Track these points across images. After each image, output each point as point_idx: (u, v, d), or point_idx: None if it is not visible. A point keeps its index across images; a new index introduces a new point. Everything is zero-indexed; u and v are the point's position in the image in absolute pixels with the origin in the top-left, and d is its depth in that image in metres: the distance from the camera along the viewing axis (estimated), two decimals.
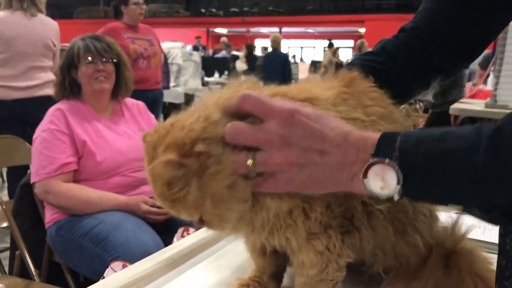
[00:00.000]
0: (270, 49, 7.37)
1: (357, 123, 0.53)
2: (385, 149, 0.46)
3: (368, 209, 0.55)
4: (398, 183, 0.45)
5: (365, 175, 0.46)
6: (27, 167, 2.86)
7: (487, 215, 0.45)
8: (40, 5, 2.83)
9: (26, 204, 1.82)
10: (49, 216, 1.72)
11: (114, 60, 1.86)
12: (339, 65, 10.97)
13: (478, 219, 0.79)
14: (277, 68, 6.88)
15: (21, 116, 2.71)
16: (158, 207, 1.66)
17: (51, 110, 1.76)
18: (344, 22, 18.06)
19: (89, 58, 1.79)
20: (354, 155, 0.47)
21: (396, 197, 0.46)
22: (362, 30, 17.38)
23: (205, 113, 0.50)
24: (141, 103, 2.04)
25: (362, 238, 0.56)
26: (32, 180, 1.70)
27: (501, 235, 0.49)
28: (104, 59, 1.81)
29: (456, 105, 2.92)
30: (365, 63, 0.77)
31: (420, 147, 0.44)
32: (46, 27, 2.85)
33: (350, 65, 0.77)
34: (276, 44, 7.27)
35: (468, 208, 0.76)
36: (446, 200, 0.48)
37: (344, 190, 0.50)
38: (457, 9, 0.73)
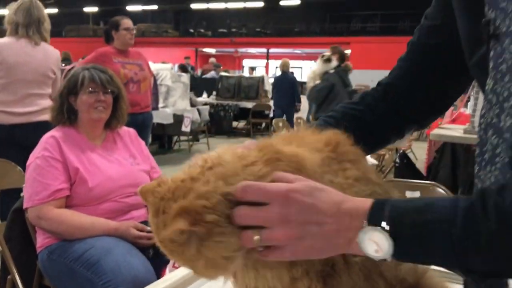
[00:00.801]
0: (279, 72, 8.48)
1: (337, 187, 0.60)
2: (375, 217, 0.52)
3: (347, 259, 0.61)
4: (389, 247, 0.51)
5: (360, 241, 0.52)
6: (20, 190, 2.89)
7: (468, 275, 0.53)
8: (45, 33, 2.89)
9: (18, 229, 1.86)
10: (41, 240, 1.76)
11: (115, 92, 1.93)
12: None
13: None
14: (287, 88, 8.01)
15: (19, 140, 2.75)
16: (148, 232, 1.72)
17: (45, 137, 1.82)
18: (330, 44, 18.39)
19: (92, 88, 1.86)
20: (348, 223, 0.53)
21: (388, 260, 0.52)
22: (348, 51, 17.72)
23: (223, 190, 0.56)
24: (132, 131, 2.11)
25: (342, 284, 0.61)
26: (25, 206, 1.74)
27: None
28: (105, 90, 1.88)
29: (435, 131, 3.05)
30: (347, 111, 0.85)
31: (405, 218, 0.51)
32: (48, 55, 2.91)
33: (334, 111, 0.86)
34: (285, 67, 8.36)
35: None
36: (432, 264, 0.56)
37: (344, 252, 0.56)
38: (427, 70, 0.82)
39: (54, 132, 1.84)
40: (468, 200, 0.50)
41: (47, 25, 2.91)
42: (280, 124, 6.14)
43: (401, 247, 0.51)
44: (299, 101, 8.21)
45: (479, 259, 0.48)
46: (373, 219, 0.52)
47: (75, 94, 1.87)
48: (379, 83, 0.89)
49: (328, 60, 5.11)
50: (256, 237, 0.55)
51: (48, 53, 2.91)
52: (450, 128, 3.33)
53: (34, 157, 1.77)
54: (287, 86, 8.06)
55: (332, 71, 4.92)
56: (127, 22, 3.57)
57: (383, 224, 0.51)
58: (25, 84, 2.80)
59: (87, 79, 1.87)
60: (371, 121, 0.84)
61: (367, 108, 0.85)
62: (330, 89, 4.67)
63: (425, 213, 0.50)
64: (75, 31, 21.73)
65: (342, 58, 4.94)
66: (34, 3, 2.86)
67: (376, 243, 0.51)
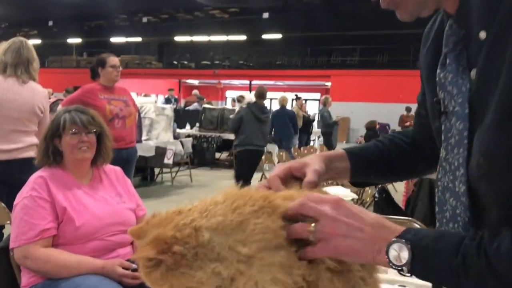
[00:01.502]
0: (278, 107, 9.05)
1: None
2: (403, 234, 0.64)
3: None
4: (409, 258, 0.62)
5: (387, 249, 0.63)
6: (2, 227, 2.88)
7: None
8: (33, 73, 2.93)
9: (2, 268, 1.87)
10: (26, 280, 1.77)
11: (97, 131, 1.99)
12: (306, 118, 11.39)
13: None
14: (285, 122, 8.65)
15: (3, 177, 2.76)
16: (134, 270, 1.75)
17: (33, 177, 1.86)
18: (311, 77, 18.80)
19: (74, 129, 1.92)
20: (382, 234, 0.64)
21: (405, 271, 0.63)
22: (329, 83, 18.13)
23: (198, 223, 0.63)
24: (118, 169, 2.16)
25: None
26: (11, 246, 1.76)
27: None
28: (87, 131, 1.95)
29: None
30: (395, 139, 0.97)
31: (423, 241, 0.62)
32: (35, 94, 2.94)
33: (384, 137, 0.98)
34: (284, 102, 9.01)
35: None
36: (435, 281, 0.65)
37: (371, 261, 0.66)
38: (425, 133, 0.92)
39: (42, 172, 1.88)
40: (470, 239, 0.61)
41: (36, 64, 2.96)
42: (263, 158, 6.23)
43: (416, 264, 0.62)
44: (297, 133, 8.95)
45: (471, 285, 0.59)
46: (401, 235, 0.64)
47: (59, 136, 1.93)
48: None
49: (239, 100, 7.52)
50: (312, 225, 0.65)
51: (35, 91, 2.95)
52: None
53: (22, 197, 1.80)
54: (285, 119, 8.69)
55: (244, 106, 6.03)
56: (113, 60, 3.66)
57: (407, 241, 0.62)
58: (10, 121, 2.83)
59: (68, 122, 1.92)
60: (409, 151, 0.95)
61: (410, 141, 0.96)
62: (241, 121, 5.65)
63: (438, 242, 0.62)
64: (58, 62, 21.76)
65: (260, 96, 5.91)
66: (24, 43, 2.92)
67: (398, 253, 0.62)
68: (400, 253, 0.62)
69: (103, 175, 2.07)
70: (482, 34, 0.63)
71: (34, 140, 2.90)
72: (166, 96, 14.38)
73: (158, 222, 0.65)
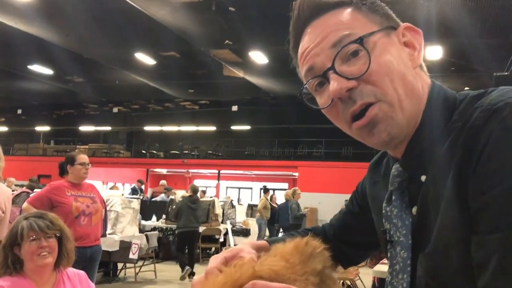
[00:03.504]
0: (284, 201, 10.84)
1: None
2: None
3: None
4: None
5: None
6: None
7: None
8: None
9: None
10: None
11: (57, 235, 1.98)
12: (274, 209, 11.43)
13: None
14: (288, 213, 10.34)
15: None
16: None
17: None
18: (279, 167, 19.16)
19: (33, 236, 1.90)
20: None
21: None
22: (296, 174, 18.47)
23: None
24: (82, 273, 2.12)
25: None
26: None
27: None
28: (47, 235, 1.93)
29: (378, 267, 3.19)
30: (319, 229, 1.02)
31: None
32: None
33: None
34: (288, 197, 10.62)
35: None
36: None
37: None
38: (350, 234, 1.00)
39: (1, 282, 1.82)
40: None
41: (1, 163, 2.95)
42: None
43: None
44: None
45: None
46: None
47: (18, 244, 1.91)
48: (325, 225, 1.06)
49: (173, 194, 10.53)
50: None
51: None
52: None
53: None
54: (288, 211, 10.32)
55: (180, 199, 8.35)
56: (83, 157, 3.70)
57: None
58: None
59: (26, 229, 1.92)
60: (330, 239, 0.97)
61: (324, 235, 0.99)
62: (178, 209, 7.87)
63: None
64: (24, 149, 21.47)
65: (194, 190, 8.08)
66: None
67: None
68: None
69: (66, 279, 2.02)
70: (423, 178, 0.73)
71: None
72: (133, 186, 14.21)
73: None
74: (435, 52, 11.63)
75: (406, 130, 0.73)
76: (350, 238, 0.99)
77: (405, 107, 0.71)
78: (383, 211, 0.80)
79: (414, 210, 0.75)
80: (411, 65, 0.74)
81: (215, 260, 0.77)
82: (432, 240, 0.68)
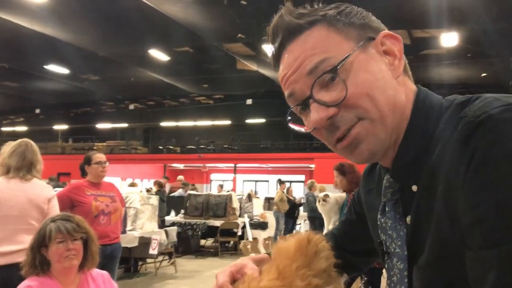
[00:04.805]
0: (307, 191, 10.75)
1: None
2: None
3: None
4: None
5: None
6: None
7: None
8: (36, 174, 2.91)
9: None
10: None
11: (83, 237, 2.03)
12: (291, 201, 11.45)
13: None
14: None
15: (3, 282, 2.61)
16: None
17: (21, 286, 1.87)
18: (295, 159, 19.13)
19: (60, 238, 1.96)
20: None
21: None
22: (313, 166, 18.42)
23: None
24: (106, 274, 2.18)
25: None
26: None
27: None
28: (73, 238, 1.99)
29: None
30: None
31: None
32: (38, 190, 2.88)
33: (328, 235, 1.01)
34: (310, 186, 10.58)
35: None
36: None
37: None
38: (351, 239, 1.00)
39: (30, 282, 1.89)
40: None
41: (40, 166, 2.95)
42: (248, 246, 6.19)
43: None
44: None
45: None
46: None
47: (46, 246, 1.96)
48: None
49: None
50: None
51: (38, 188, 2.89)
52: None
53: None
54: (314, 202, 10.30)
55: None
56: (99, 156, 3.77)
57: None
58: (10, 220, 2.73)
59: (54, 231, 1.97)
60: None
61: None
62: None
63: None
64: (43, 148, 21.84)
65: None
66: (30, 146, 2.93)
67: None
68: None
69: (90, 280, 2.08)
70: (414, 188, 0.73)
71: None
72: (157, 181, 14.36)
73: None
74: (450, 39, 11.46)
75: (388, 143, 0.73)
76: (352, 247, 0.99)
77: (387, 122, 0.71)
78: (378, 223, 0.81)
79: (408, 219, 0.75)
80: (392, 75, 0.73)
81: (223, 275, 0.81)
82: (425, 252, 0.69)
